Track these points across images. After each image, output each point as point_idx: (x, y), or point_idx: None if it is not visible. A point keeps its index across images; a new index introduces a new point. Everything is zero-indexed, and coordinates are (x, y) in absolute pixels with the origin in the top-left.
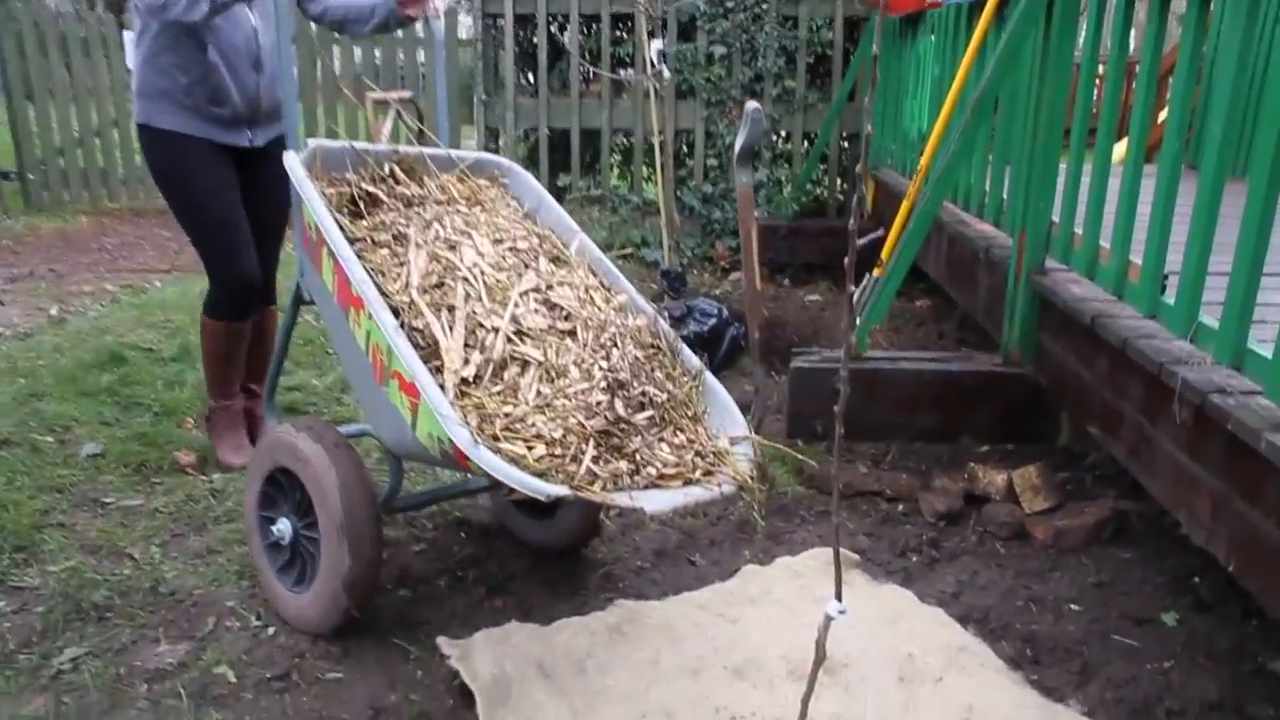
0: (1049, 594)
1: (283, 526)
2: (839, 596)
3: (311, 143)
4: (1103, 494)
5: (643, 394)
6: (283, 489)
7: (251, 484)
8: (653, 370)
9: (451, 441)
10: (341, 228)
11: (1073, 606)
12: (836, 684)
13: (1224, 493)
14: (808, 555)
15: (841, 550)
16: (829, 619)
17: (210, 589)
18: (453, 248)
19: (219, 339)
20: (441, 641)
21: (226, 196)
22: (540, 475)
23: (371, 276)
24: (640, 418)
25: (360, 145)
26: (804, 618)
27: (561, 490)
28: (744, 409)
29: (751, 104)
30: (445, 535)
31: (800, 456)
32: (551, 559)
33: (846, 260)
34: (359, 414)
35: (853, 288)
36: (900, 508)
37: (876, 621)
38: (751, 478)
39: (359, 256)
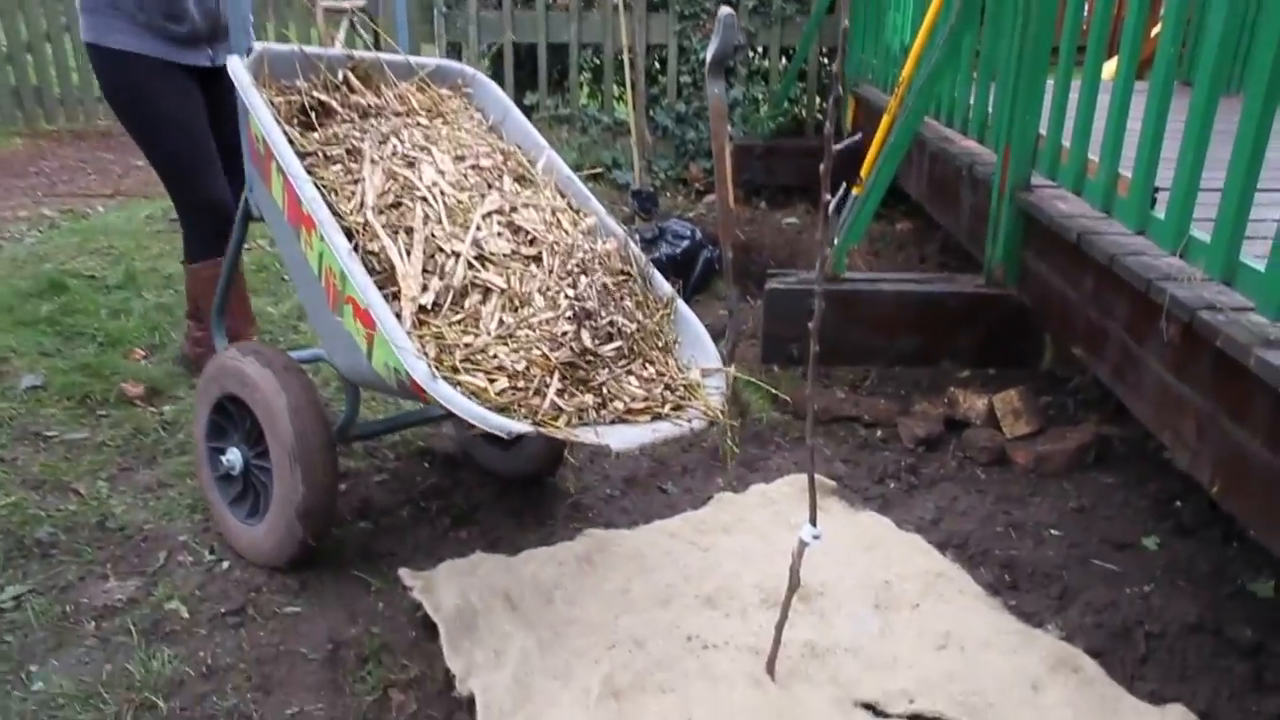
0: (1029, 519)
1: (233, 457)
2: (814, 521)
3: (258, 46)
4: (1085, 418)
5: (610, 324)
6: (232, 418)
7: (199, 413)
8: (622, 298)
9: (409, 374)
10: (291, 141)
11: (1053, 532)
12: (811, 611)
13: (1210, 412)
14: (783, 482)
15: (818, 476)
16: (803, 544)
17: (161, 524)
18: (411, 164)
19: (211, 282)
20: (404, 573)
21: (189, 122)
22: (502, 410)
23: (323, 195)
24: (608, 349)
25: (311, 50)
26: (778, 545)
27: (524, 427)
28: (718, 334)
29: (725, 10)
30: (407, 465)
31: (773, 390)
32: (518, 488)
33: (822, 166)
34: (316, 340)
35: (828, 196)
36: (879, 433)
37: (853, 548)
38: (722, 412)
39: (310, 173)
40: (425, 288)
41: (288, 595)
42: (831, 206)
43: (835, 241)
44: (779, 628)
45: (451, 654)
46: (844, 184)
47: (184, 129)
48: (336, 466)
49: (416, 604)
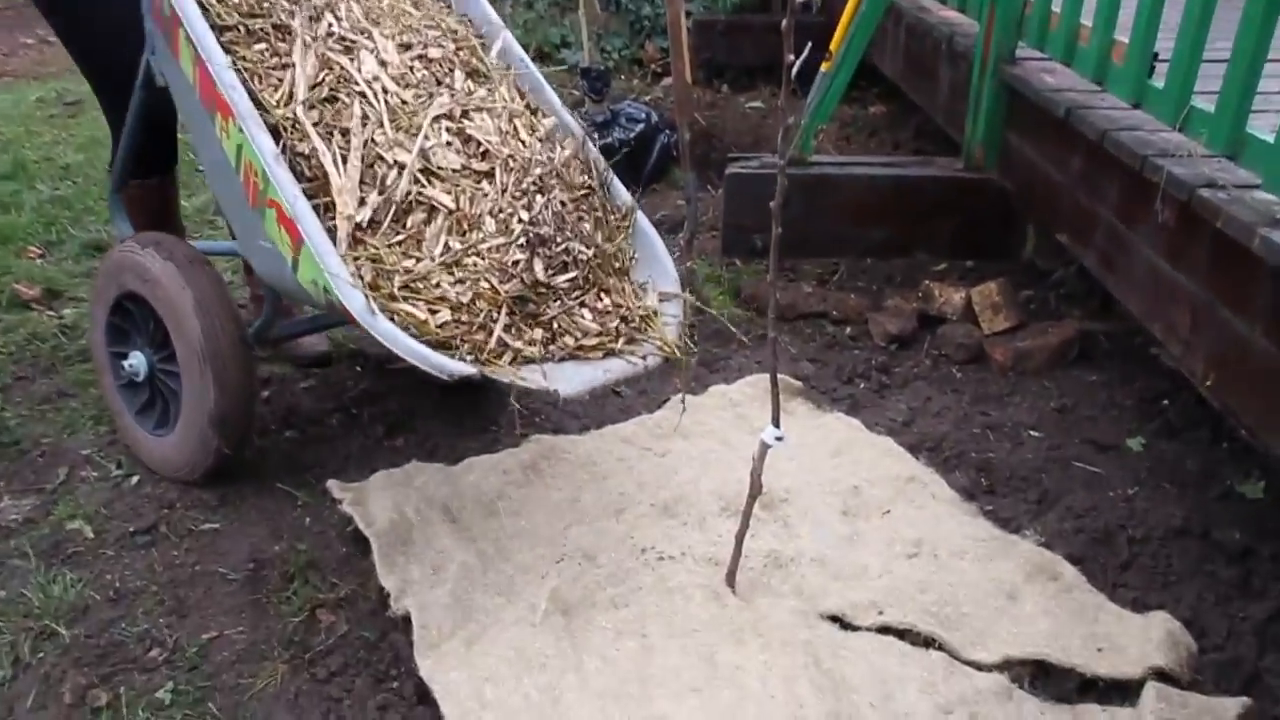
0: (1007, 420)
1: (136, 362)
2: (776, 422)
3: None
4: (1068, 313)
5: (566, 251)
6: (133, 318)
7: (95, 316)
8: (579, 220)
9: (341, 301)
10: (206, 9)
11: (1032, 433)
12: (774, 519)
13: (1206, 301)
14: (744, 383)
15: (783, 377)
16: (765, 447)
17: (62, 437)
18: (349, 50)
19: (148, 205)
20: (332, 485)
21: (128, 38)
22: (443, 345)
23: (245, 80)
24: (561, 280)
25: None
26: (740, 451)
27: (466, 368)
28: (675, 225)
29: None
30: (337, 369)
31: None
32: (458, 392)
33: (784, 22)
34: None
35: (791, 56)
36: (848, 331)
37: (819, 452)
38: (679, 349)
39: (228, 51)
40: (363, 202)
41: (204, 511)
42: (794, 70)
43: (803, 121)
44: (739, 537)
45: (385, 571)
46: (808, 46)
47: (125, 48)
48: (253, 367)
49: (347, 518)
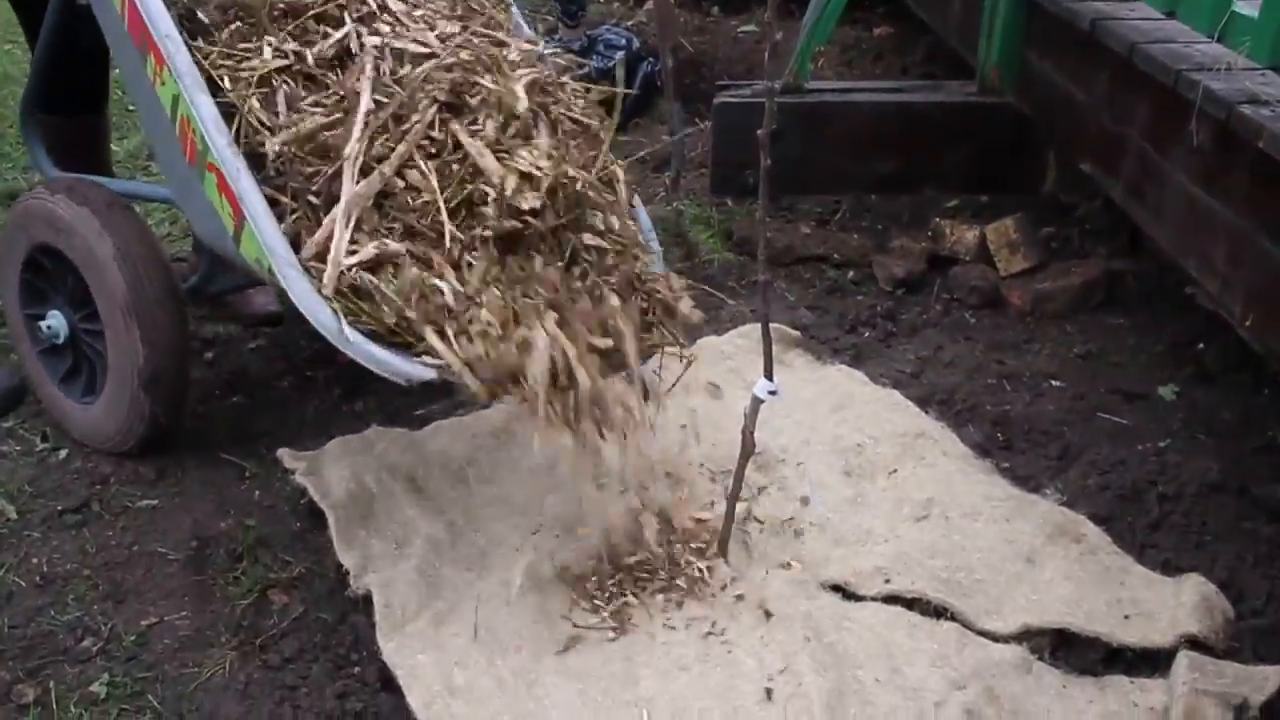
0: (1025, 369)
1: (55, 323)
2: (769, 375)
3: None
4: (1093, 251)
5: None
6: (48, 275)
7: (5, 275)
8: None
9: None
10: None
11: (1053, 383)
12: (770, 481)
13: (1245, 232)
14: (736, 334)
15: (780, 326)
16: (757, 402)
17: None
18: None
19: (73, 146)
20: (284, 454)
21: None
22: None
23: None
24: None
25: None
26: (731, 408)
27: (428, 372)
28: (661, 164)
29: None
30: (288, 328)
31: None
32: None
33: None
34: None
35: None
36: (850, 275)
37: (819, 408)
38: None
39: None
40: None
41: (141, 487)
42: None
43: (798, 43)
44: (731, 501)
45: (343, 546)
46: None
47: None
48: (185, 320)
49: (300, 490)
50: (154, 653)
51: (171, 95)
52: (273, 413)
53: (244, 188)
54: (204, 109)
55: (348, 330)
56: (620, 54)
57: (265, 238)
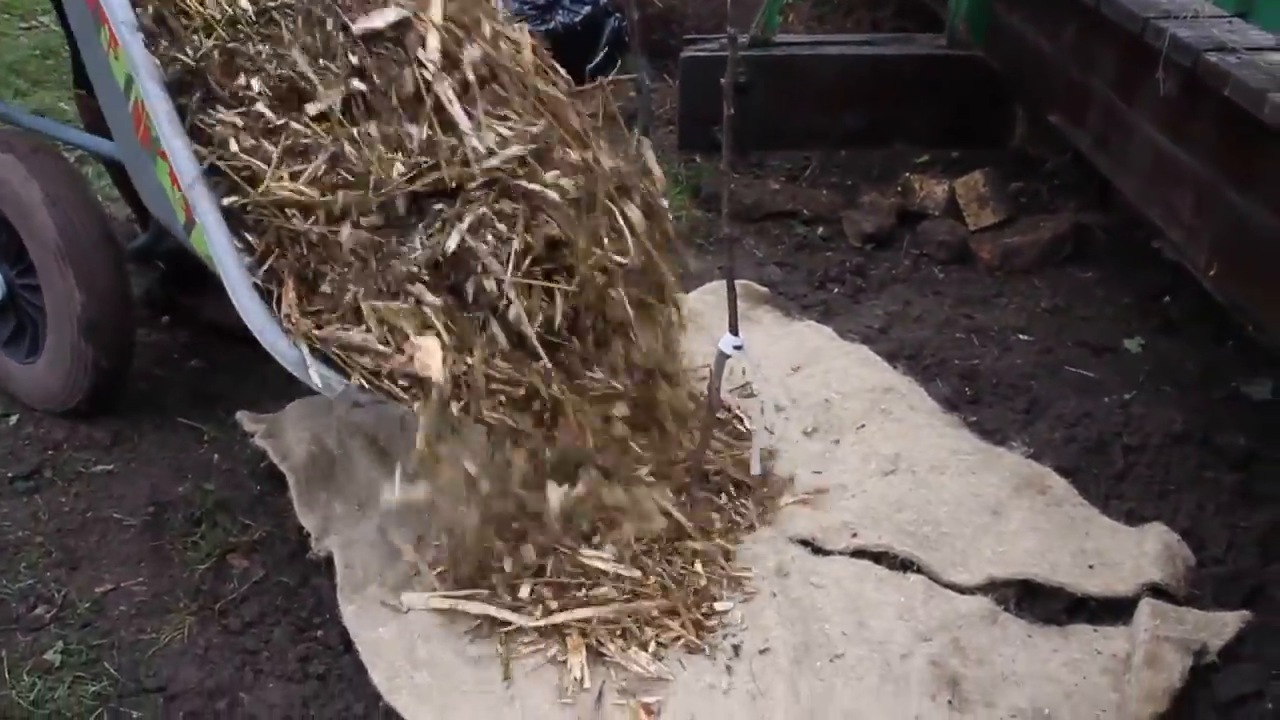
0: (993, 323)
1: None
2: (734, 330)
3: None
4: (1062, 206)
5: None
6: None
7: None
8: None
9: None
10: None
11: (1021, 336)
12: (735, 438)
13: (1210, 181)
14: (704, 290)
15: (747, 283)
16: (723, 358)
17: None
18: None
19: None
20: (243, 417)
21: None
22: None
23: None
24: None
25: None
26: (699, 365)
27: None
28: (628, 121)
29: None
30: None
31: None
32: None
33: None
34: None
35: None
36: (820, 230)
37: (787, 363)
38: None
39: None
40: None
41: (95, 451)
42: None
43: None
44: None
45: (304, 509)
46: None
47: None
48: (123, 266)
49: (260, 453)
50: (110, 619)
51: (125, 75)
52: (231, 375)
53: (197, 194)
54: (185, 168)
55: (310, 361)
56: (586, 8)
57: (219, 252)
